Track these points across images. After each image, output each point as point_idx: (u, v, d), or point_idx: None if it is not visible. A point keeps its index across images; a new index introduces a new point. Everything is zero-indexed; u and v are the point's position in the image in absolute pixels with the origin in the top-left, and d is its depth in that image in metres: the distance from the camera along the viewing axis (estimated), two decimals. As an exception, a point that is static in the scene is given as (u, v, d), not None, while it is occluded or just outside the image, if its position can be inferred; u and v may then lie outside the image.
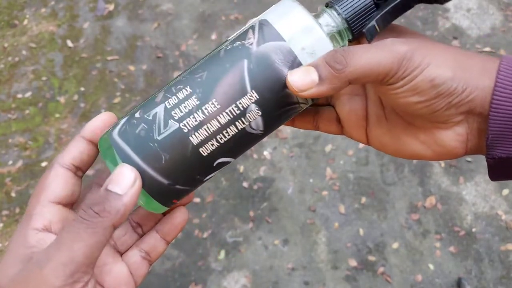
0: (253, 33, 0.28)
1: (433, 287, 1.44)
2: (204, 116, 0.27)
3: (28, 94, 2.07)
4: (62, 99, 2.03)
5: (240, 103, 0.27)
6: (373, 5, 0.29)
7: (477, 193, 1.58)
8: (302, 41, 0.28)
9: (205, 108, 0.27)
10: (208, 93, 0.27)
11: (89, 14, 2.29)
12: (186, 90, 0.28)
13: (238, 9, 2.17)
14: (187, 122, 0.27)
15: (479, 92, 0.27)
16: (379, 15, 0.29)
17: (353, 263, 1.50)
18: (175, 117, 0.27)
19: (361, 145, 1.71)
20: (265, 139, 1.78)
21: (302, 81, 0.27)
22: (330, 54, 0.27)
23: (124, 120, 0.29)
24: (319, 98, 0.31)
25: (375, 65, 0.27)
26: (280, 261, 1.54)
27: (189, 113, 0.27)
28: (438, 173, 1.62)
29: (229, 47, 0.28)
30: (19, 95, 2.07)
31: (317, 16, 0.30)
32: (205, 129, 0.27)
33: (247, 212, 1.64)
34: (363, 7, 0.29)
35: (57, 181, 0.29)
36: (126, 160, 0.27)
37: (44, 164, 1.83)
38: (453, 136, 0.29)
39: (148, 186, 0.28)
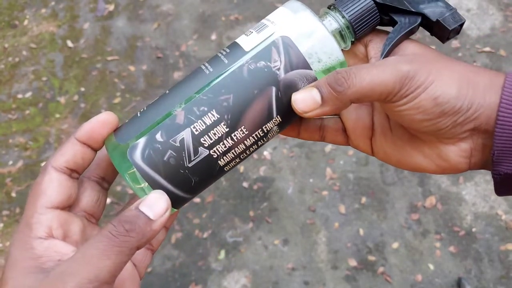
0: (279, 55, 0.28)
1: (433, 287, 1.44)
2: (233, 142, 0.29)
3: (29, 94, 2.07)
4: (62, 100, 2.03)
5: (265, 127, 0.29)
6: (375, 7, 0.30)
7: (477, 193, 1.58)
8: (327, 64, 0.29)
9: (234, 135, 0.28)
10: (236, 120, 0.28)
11: (89, 15, 2.30)
12: (213, 115, 0.28)
13: (238, 9, 2.17)
14: (216, 149, 0.28)
15: (484, 110, 0.27)
16: (393, 42, 0.30)
17: (353, 263, 1.51)
18: (204, 145, 0.28)
19: (361, 145, 1.71)
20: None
21: (306, 103, 0.28)
22: (332, 75, 0.27)
23: (143, 140, 0.28)
24: None
25: (377, 85, 0.27)
26: (280, 261, 1.54)
27: (219, 140, 0.28)
28: (438, 173, 1.63)
29: (252, 66, 0.28)
30: (20, 96, 2.08)
31: (320, 18, 0.31)
32: (232, 152, 0.29)
33: (247, 212, 1.64)
34: (366, 9, 0.30)
35: (52, 186, 0.28)
36: (157, 187, 0.28)
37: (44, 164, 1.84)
38: (457, 151, 0.29)
39: (174, 202, 0.29)
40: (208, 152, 0.28)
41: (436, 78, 0.27)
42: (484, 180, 1.59)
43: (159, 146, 0.28)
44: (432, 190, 1.60)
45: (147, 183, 0.28)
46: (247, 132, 0.29)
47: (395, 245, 1.52)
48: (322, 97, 0.27)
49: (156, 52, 2.11)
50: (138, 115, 0.29)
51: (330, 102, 0.27)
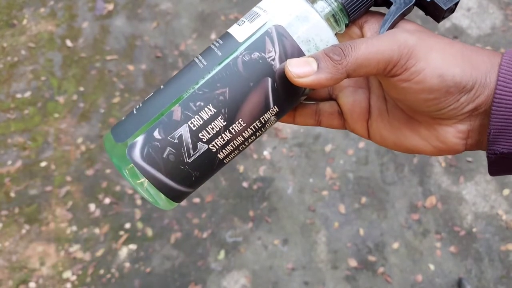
0: (273, 45, 0.28)
1: (433, 287, 1.44)
2: (231, 135, 0.29)
3: (27, 94, 2.07)
4: (61, 99, 2.03)
5: (263, 118, 0.29)
6: None
7: (477, 192, 1.57)
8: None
9: (232, 128, 0.28)
10: (234, 113, 0.28)
11: (88, 14, 2.29)
12: (210, 110, 0.28)
13: (238, 8, 2.17)
14: (215, 143, 0.28)
15: (485, 91, 0.27)
16: (390, 24, 0.30)
17: (353, 263, 1.50)
18: (203, 140, 0.28)
19: (361, 145, 1.70)
20: (265, 139, 1.78)
21: (300, 67, 0.27)
22: (330, 47, 0.27)
23: (141, 139, 0.28)
24: (313, 90, 0.31)
25: (373, 53, 0.26)
26: (280, 261, 1.54)
27: (217, 135, 0.28)
28: (438, 173, 1.62)
29: (247, 58, 0.28)
30: (18, 95, 2.07)
31: (312, 2, 0.30)
32: (231, 145, 0.29)
33: (246, 212, 1.63)
34: None
35: None
36: (158, 184, 0.28)
37: (43, 164, 1.83)
38: (454, 133, 0.29)
39: (176, 197, 0.29)
40: (207, 147, 0.28)
41: (438, 54, 0.26)
42: (484, 179, 1.59)
43: (158, 143, 0.28)
44: (432, 189, 1.59)
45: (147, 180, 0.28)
46: (245, 124, 0.28)
47: (395, 245, 1.51)
48: (319, 65, 0.27)
49: (155, 52, 2.10)
50: (134, 112, 0.29)
51: (326, 70, 0.26)
